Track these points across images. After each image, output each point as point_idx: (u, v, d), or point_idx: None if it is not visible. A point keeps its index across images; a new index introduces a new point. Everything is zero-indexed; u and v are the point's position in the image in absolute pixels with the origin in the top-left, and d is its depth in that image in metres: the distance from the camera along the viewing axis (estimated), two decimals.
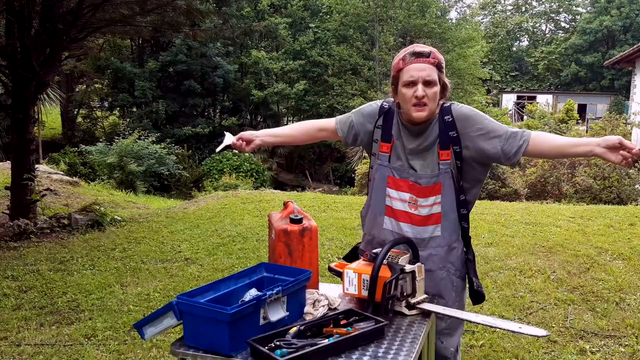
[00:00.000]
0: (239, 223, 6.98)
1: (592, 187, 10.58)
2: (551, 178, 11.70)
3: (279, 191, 12.09)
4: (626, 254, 5.34)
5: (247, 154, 20.97)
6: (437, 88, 2.12)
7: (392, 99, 2.29)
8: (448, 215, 2.23)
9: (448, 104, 2.20)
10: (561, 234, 6.09)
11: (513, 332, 1.87)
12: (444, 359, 2.29)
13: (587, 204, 9.18)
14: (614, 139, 1.97)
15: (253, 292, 1.94)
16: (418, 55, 2.11)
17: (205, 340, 1.73)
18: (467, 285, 2.35)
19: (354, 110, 2.43)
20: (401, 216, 2.24)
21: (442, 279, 2.24)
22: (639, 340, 3.60)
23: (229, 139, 2.34)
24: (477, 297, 2.30)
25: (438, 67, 2.13)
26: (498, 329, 3.31)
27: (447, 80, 2.17)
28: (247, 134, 2.37)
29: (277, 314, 1.81)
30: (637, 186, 10.80)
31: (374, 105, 2.35)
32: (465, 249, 2.31)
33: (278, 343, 1.68)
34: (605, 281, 4.66)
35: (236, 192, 10.11)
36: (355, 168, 14.99)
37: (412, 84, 2.11)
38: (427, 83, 2.10)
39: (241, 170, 19.66)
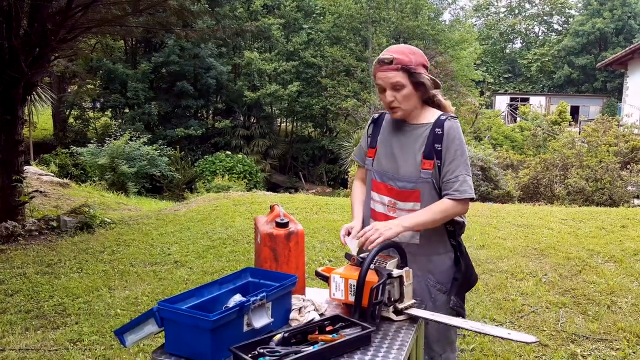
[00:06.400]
0: (230, 225, 6.93)
1: (584, 189, 10.59)
2: (544, 180, 11.72)
3: (271, 193, 12.04)
4: (618, 256, 5.33)
5: (240, 155, 20.93)
6: (406, 90, 2.15)
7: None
8: None
9: (444, 117, 2.19)
10: (553, 236, 6.08)
11: (502, 338, 1.84)
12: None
13: (580, 206, 9.19)
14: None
15: (237, 298, 1.90)
16: (381, 62, 2.16)
17: (187, 347, 1.69)
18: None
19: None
20: (380, 218, 2.25)
21: (420, 288, 2.20)
22: (630, 344, 3.58)
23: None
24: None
25: (405, 70, 2.14)
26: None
27: (424, 78, 2.17)
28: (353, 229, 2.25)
29: (261, 320, 1.77)
30: (629, 188, 10.82)
31: (369, 120, 2.44)
32: (455, 266, 2.26)
33: (261, 350, 1.64)
34: (596, 284, 4.64)
35: (228, 194, 10.04)
36: (349, 169, 14.97)
37: (382, 90, 2.19)
38: (394, 87, 2.15)
39: (234, 171, 19.60)
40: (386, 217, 2.23)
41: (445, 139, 2.14)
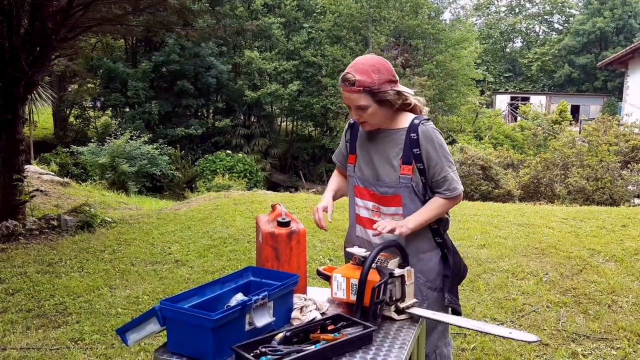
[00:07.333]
0: (231, 224, 6.93)
1: (584, 188, 10.59)
2: (544, 179, 11.72)
3: (271, 192, 12.03)
4: (618, 255, 5.33)
5: (240, 154, 20.92)
6: (371, 109, 2.15)
7: None
8: None
9: (417, 122, 2.20)
10: (554, 236, 6.08)
11: (504, 337, 1.84)
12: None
13: (580, 205, 9.19)
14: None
15: (239, 297, 1.91)
16: (344, 82, 2.14)
17: (189, 346, 1.69)
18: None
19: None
20: (367, 223, 2.31)
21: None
22: (631, 343, 3.58)
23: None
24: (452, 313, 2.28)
25: (368, 92, 2.12)
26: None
27: (389, 95, 2.15)
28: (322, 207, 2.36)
29: (263, 319, 1.78)
30: (629, 187, 10.82)
31: (346, 125, 2.45)
32: (443, 263, 2.29)
33: (263, 349, 1.65)
34: (597, 283, 4.64)
35: (228, 193, 10.04)
36: None
37: (349, 107, 2.21)
38: (358, 108, 2.16)
39: (234, 170, 19.59)
40: (371, 222, 2.27)
41: (423, 143, 2.17)
